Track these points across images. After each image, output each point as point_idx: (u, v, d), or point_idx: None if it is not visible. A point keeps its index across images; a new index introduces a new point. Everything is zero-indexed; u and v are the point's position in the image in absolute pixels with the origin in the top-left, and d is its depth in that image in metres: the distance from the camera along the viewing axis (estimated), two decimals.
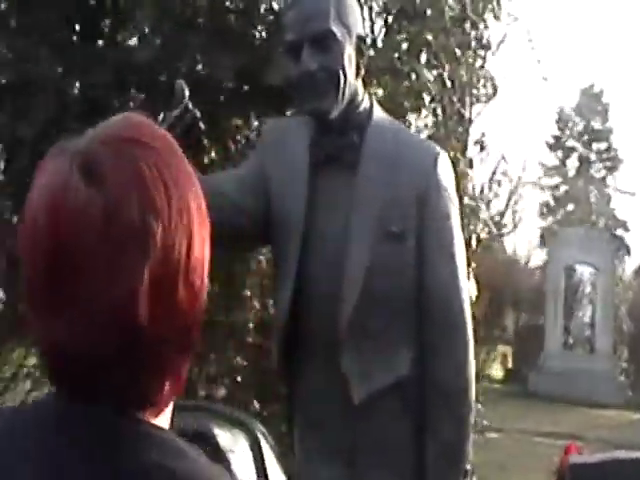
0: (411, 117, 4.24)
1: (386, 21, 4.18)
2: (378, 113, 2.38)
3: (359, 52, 2.32)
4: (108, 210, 0.81)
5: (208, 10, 4.17)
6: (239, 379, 4.44)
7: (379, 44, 3.98)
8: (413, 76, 3.84)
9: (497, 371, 17.56)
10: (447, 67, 4.07)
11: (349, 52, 2.28)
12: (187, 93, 2.11)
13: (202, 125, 2.02)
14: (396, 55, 3.94)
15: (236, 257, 4.12)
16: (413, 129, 4.24)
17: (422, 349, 2.32)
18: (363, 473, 2.32)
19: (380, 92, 3.81)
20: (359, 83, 2.34)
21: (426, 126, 4.36)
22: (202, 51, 3.87)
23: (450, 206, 2.35)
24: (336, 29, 2.26)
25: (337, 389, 2.30)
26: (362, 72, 2.34)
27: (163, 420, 0.91)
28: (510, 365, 18.26)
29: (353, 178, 2.31)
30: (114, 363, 0.84)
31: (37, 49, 4.65)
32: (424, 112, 4.21)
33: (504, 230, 8.93)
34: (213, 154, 4.21)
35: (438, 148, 2.43)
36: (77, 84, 4.70)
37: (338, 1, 2.29)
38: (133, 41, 4.42)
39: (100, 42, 4.80)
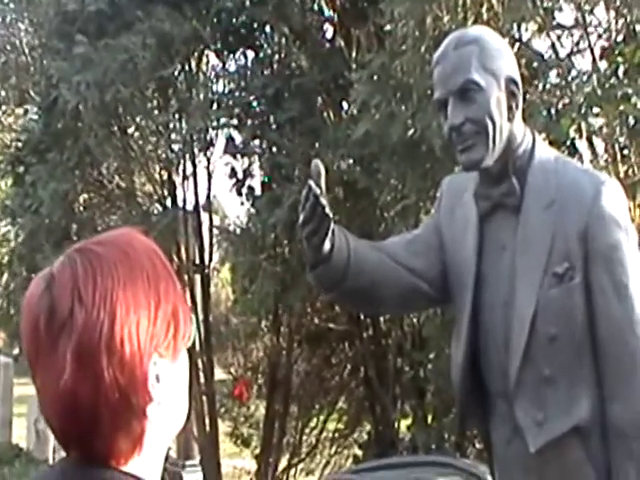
0: None
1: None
2: (541, 152, 2.35)
3: (512, 95, 2.28)
4: (51, 306, 1.08)
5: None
6: None
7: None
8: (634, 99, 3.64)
9: None
10: None
11: (497, 97, 2.26)
12: (323, 173, 2.10)
13: (324, 204, 2.09)
14: (612, 81, 3.78)
15: None
16: None
17: (602, 393, 2.24)
18: None
19: (599, 122, 3.67)
20: (517, 126, 2.32)
21: None
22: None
23: (619, 235, 2.23)
24: (479, 78, 2.25)
25: (520, 439, 2.30)
26: (517, 114, 2.31)
27: (141, 467, 1.11)
28: None
29: (517, 223, 2.31)
30: (74, 429, 1.07)
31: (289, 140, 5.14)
32: None
33: None
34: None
35: (604, 177, 2.35)
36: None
37: (482, 49, 2.28)
38: None
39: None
